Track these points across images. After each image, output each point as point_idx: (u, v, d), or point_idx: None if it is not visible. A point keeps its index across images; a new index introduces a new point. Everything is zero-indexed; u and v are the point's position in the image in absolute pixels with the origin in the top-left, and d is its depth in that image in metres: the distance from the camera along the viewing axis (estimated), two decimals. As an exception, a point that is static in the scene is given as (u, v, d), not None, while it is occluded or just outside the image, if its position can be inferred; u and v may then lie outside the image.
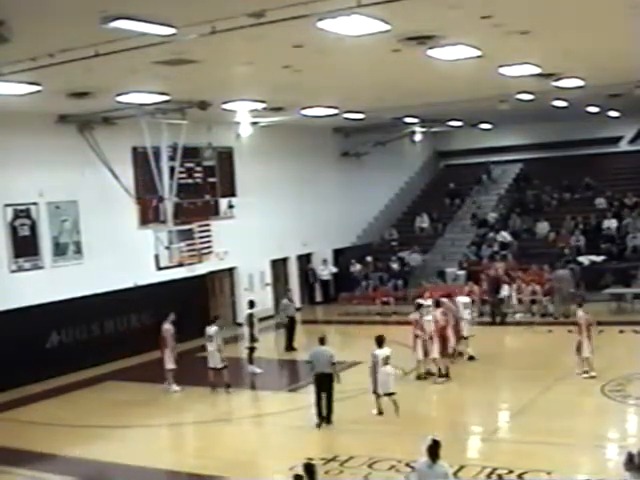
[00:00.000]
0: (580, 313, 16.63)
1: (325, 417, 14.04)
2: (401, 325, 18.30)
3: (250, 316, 19.18)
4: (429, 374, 17.00)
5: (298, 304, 28.29)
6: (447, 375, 16.82)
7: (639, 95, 21.08)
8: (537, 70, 17.25)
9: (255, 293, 25.69)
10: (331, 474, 11.62)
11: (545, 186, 32.08)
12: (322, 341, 14.55)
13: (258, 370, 18.79)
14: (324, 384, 14.07)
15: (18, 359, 17.97)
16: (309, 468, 8.57)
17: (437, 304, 17.64)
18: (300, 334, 22.81)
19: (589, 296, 24.23)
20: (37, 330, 18.99)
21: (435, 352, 16.78)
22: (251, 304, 19.52)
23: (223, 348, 17.19)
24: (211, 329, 17.29)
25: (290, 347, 21.30)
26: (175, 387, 17.46)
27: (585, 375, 16.06)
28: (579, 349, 16.15)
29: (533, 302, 23.90)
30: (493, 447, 12.95)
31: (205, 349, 17.52)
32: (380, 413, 14.43)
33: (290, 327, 21.61)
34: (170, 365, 17.46)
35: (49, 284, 19.36)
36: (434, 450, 8.27)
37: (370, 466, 11.82)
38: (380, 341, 14.59)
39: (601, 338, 20.36)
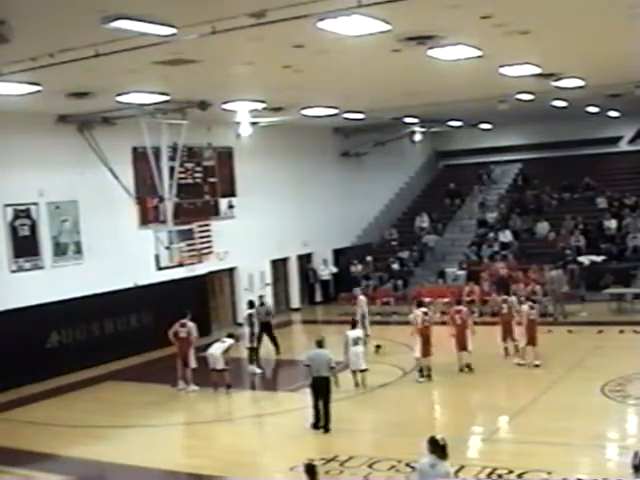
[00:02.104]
0: (524, 307, 17.86)
1: (323, 425, 13.56)
2: (400, 325, 18.30)
3: (250, 316, 19.18)
4: (468, 367, 17.22)
5: (297, 304, 28.39)
6: (429, 376, 16.84)
7: (639, 95, 21.08)
8: (537, 70, 17.25)
9: (255, 293, 25.75)
10: (331, 474, 11.59)
11: (545, 186, 32.07)
12: (320, 344, 14.03)
13: (258, 370, 18.78)
14: (321, 388, 13.53)
15: (18, 359, 17.96)
16: (310, 468, 8.56)
17: (419, 304, 17.78)
18: (299, 335, 22.83)
19: (589, 296, 24.30)
20: (37, 330, 18.98)
21: (417, 352, 16.83)
22: (251, 304, 19.50)
23: (229, 355, 17.20)
24: (228, 339, 17.31)
25: (256, 350, 19.62)
26: (194, 387, 17.42)
27: (518, 361, 17.52)
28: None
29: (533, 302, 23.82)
30: (493, 447, 12.94)
31: (209, 346, 17.50)
32: (357, 385, 16.18)
33: (264, 332, 20.52)
34: (194, 364, 17.49)
35: (49, 284, 19.35)
36: (444, 450, 8.23)
37: (370, 466, 11.80)
38: (353, 323, 16.89)
39: (601, 338, 20.49)
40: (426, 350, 16.75)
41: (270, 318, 20.81)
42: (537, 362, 17.31)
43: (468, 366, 17.17)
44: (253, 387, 18.26)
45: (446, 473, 8.24)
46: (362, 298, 20.74)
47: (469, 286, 23.51)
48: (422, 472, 8.37)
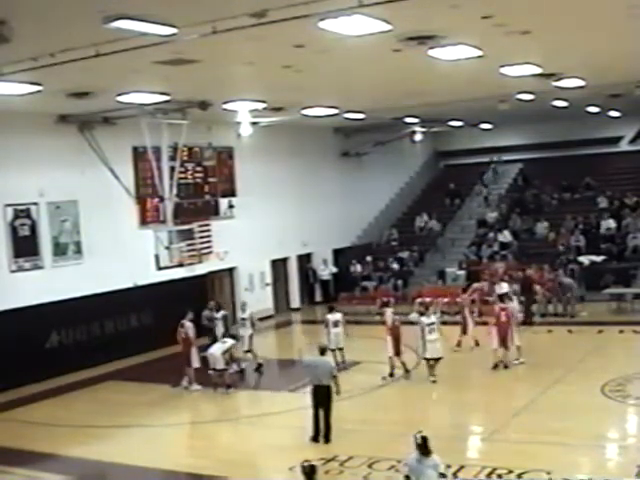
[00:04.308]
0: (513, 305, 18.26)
1: (324, 435, 13.18)
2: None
3: (224, 317, 19.21)
4: (501, 363, 17.33)
5: (297, 304, 28.38)
6: (407, 370, 17.17)
7: (639, 95, 21.07)
8: (538, 70, 17.25)
9: (255, 293, 25.80)
10: (331, 474, 11.61)
11: (545, 186, 32.09)
12: (323, 351, 13.68)
13: (243, 365, 18.73)
14: (322, 397, 13.10)
15: (18, 359, 17.95)
16: (310, 469, 8.53)
17: (386, 304, 18.36)
18: (299, 335, 22.81)
19: (589, 296, 24.30)
20: (37, 330, 18.98)
21: (390, 350, 17.10)
22: (218, 307, 19.47)
23: (228, 356, 17.23)
24: (229, 340, 17.40)
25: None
26: (197, 386, 17.41)
27: (516, 362, 17.48)
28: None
29: (533, 302, 23.82)
30: (493, 447, 12.93)
31: (209, 346, 17.53)
32: (337, 364, 16.47)
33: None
34: (197, 364, 17.49)
35: (49, 284, 19.33)
36: (424, 447, 8.37)
37: (370, 466, 11.82)
38: (331, 307, 19.09)
39: (601, 338, 20.50)
40: (397, 349, 17.07)
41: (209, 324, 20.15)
42: (522, 359, 17.68)
43: (506, 365, 17.31)
44: (253, 387, 18.27)
45: (434, 465, 8.37)
46: (249, 313, 19.54)
47: (480, 284, 23.56)
48: (411, 468, 8.51)
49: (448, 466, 8.95)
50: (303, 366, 13.81)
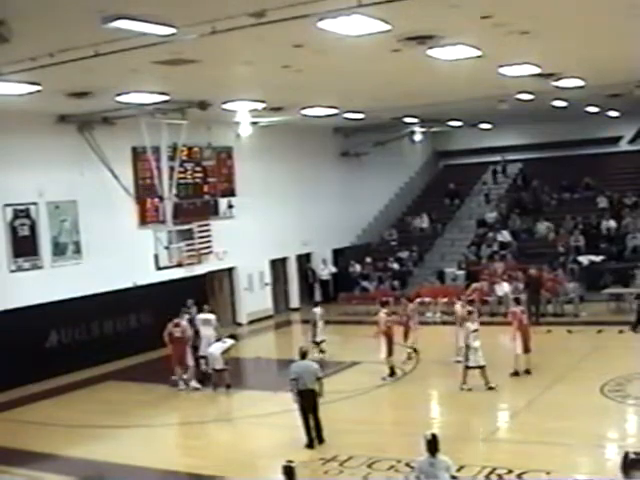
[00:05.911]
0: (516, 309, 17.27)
1: (316, 437, 13.03)
2: (400, 325, 18.34)
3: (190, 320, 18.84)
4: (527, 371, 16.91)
5: (297, 304, 28.38)
6: (394, 374, 17.15)
7: (639, 95, 21.08)
8: (537, 70, 17.25)
9: (254, 293, 25.81)
10: (330, 474, 11.62)
11: (545, 186, 32.09)
12: (304, 355, 13.42)
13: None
14: (309, 401, 12.95)
15: (18, 359, 17.96)
16: (288, 470, 8.54)
17: (383, 304, 18.02)
18: (298, 335, 22.78)
19: (588, 296, 24.30)
20: (36, 330, 18.98)
21: (383, 352, 17.11)
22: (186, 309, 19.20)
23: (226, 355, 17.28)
24: (228, 340, 17.40)
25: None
26: (196, 384, 17.44)
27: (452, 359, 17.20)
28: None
29: (539, 302, 23.74)
30: (493, 447, 12.94)
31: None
32: (321, 352, 19.20)
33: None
34: (191, 362, 17.56)
35: (48, 284, 19.34)
36: (433, 445, 8.38)
37: (369, 466, 11.81)
38: (316, 303, 20.97)
39: (600, 338, 20.50)
40: (390, 350, 17.10)
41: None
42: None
43: (528, 370, 16.81)
44: (253, 387, 18.25)
45: (446, 467, 8.39)
46: (183, 324, 17.93)
47: (480, 284, 23.54)
48: (422, 470, 8.51)
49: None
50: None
